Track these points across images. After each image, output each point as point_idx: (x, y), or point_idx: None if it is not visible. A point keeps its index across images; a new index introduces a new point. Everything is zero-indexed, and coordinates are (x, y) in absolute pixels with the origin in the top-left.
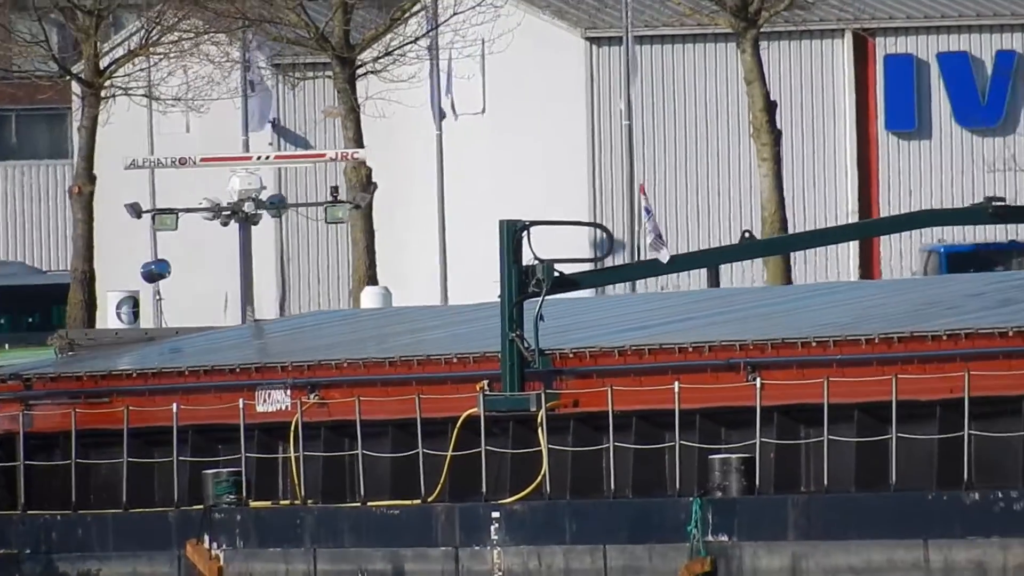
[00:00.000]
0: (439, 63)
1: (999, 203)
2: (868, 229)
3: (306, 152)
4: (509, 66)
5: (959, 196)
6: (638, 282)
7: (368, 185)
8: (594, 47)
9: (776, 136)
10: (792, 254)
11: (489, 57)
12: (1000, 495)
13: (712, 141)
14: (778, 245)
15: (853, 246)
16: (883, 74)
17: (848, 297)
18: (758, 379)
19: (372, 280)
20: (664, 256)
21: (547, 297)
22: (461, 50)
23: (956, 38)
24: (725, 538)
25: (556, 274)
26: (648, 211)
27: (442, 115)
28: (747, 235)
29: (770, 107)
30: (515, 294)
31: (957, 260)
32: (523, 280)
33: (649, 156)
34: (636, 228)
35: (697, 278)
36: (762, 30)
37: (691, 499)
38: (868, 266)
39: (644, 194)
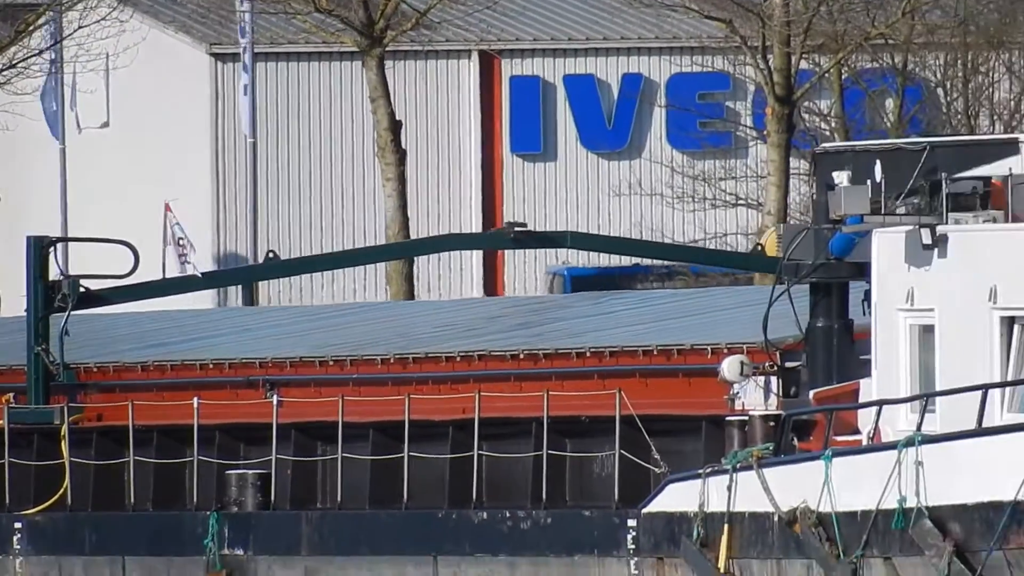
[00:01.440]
0: (63, 76)
1: (520, 228)
2: (392, 251)
3: None
4: (134, 80)
5: (584, 219)
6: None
7: None
8: (219, 63)
9: (401, 156)
10: (416, 271)
11: (114, 72)
12: (508, 514)
13: (337, 160)
14: (303, 265)
15: (477, 265)
16: (509, 95)
17: (379, 315)
18: (276, 396)
19: None
20: (196, 271)
21: (86, 312)
22: (86, 64)
23: (583, 60)
24: (241, 552)
25: (82, 290)
26: (179, 226)
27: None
28: (271, 255)
29: (395, 126)
30: (41, 309)
31: (581, 282)
32: (49, 295)
33: (273, 173)
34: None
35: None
36: (388, 49)
37: (208, 513)
38: (492, 286)
39: (171, 211)
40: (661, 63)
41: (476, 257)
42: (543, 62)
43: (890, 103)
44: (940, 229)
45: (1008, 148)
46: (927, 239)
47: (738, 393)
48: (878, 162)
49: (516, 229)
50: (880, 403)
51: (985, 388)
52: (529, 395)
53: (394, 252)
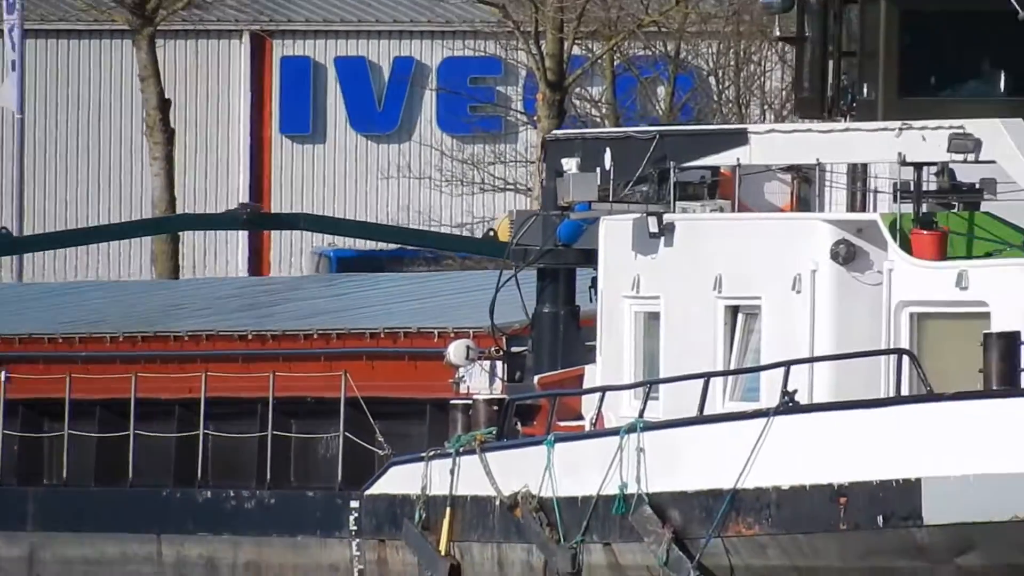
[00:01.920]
0: None
1: (253, 210)
2: (121, 231)
3: None
4: None
5: (352, 202)
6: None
7: None
8: None
9: (169, 135)
10: (181, 250)
11: None
12: (232, 493)
13: (106, 138)
14: (32, 243)
15: (243, 245)
16: (279, 76)
17: (114, 294)
18: (3, 373)
19: None
20: None
21: None
22: None
23: (355, 43)
24: None
25: None
26: None
27: None
28: (3, 231)
29: (164, 105)
30: None
31: (347, 264)
32: None
33: (41, 151)
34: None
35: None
36: (159, 28)
37: None
38: (258, 266)
39: None
40: (433, 46)
41: (242, 237)
42: (314, 44)
43: (662, 91)
44: (667, 217)
45: (737, 138)
46: (654, 227)
47: (464, 377)
48: (608, 150)
49: (249, 211)
50: (603, 389)
51: (707, 376)
52: (256, 376)
53: (123, 232)
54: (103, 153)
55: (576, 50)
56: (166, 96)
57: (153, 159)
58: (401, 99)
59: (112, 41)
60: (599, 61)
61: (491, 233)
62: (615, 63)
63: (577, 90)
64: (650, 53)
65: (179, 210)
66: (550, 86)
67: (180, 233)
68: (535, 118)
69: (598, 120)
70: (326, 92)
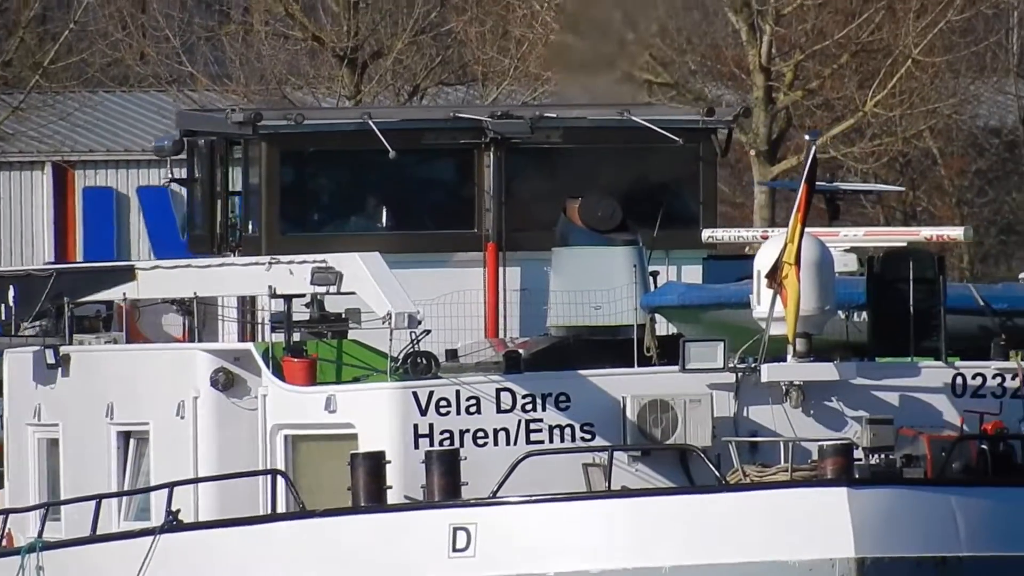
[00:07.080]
0: None
1: None
2: None
3: None
4: None
5: None
6: None
7: None
8: None
9: None
10: None
11: None
12: None
13: None
14: None
15: None
16: (83, 206)
17: None
18: None
19: None
20: None
21: None
22: None
23: (156, 172)
24: None
25: None
26: None
27: None
28: None
29: None
30: None
31: None
32: None
33: None
34: None
35: None
36: None
37: None
38: None
39: None
40: None
41: None
42: (116, 173)
43: None
44: (63, 349)
45: (125, 274)
46: (51, 359)
47: None
48: (12, 287)
49: None
50: (6, 512)
51: (99, 498)
52: None
53: None
54: None
55: None
56: None
57: None
58: None
59: None
60: None
61: None
62: None
63: None
64: None
65: None
66: None
67: None
68: None
69: None
70: (129, 221)
